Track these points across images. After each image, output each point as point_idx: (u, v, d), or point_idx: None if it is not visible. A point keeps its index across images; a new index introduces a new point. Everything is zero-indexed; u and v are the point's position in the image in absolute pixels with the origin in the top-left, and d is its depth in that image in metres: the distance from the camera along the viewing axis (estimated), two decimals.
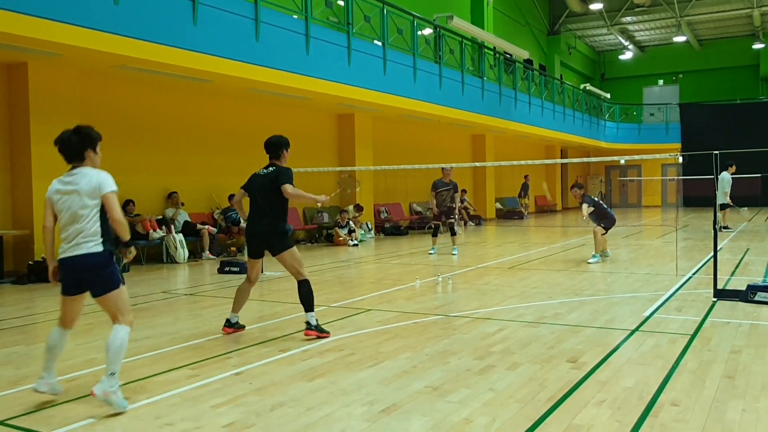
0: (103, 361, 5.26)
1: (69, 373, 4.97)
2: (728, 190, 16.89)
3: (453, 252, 13.13)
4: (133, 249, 4.70)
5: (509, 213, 26.11)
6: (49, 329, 6.23)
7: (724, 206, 17.10)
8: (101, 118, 12.09)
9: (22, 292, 9.25)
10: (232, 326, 6.25)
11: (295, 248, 6.10)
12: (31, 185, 10.58)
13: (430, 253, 13.13)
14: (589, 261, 11.36)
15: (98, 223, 4.20)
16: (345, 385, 4.56)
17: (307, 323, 5.98)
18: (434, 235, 13.38)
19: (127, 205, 12.33)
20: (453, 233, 13.44)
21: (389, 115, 18.24)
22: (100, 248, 4.15)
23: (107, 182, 4.29)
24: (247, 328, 6.49)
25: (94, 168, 4.53)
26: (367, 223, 17.79)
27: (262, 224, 6.03)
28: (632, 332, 6.02)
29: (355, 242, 15.66)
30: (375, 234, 18.25)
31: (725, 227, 17.05)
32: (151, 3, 10.17)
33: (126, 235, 4.27)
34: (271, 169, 6.13)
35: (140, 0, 10.00)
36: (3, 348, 5.85)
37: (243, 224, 13.84)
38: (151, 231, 12.36)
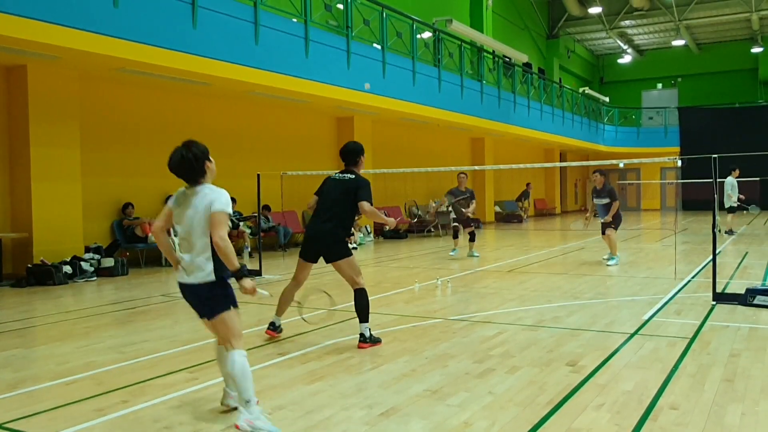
0: (102, 365, 5.27)
1: (67, 376, 4.96)
2: (733, 194, 16.91)
3: (473, 254, 13.06)
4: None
5: (508, 216, 26.11)
6: (48, 332, 6.17)
7: (732, 209, 17.12)
8: (100, 121, 12.11)
9: (21, 295, 9.23)
10: (276, 329, 6.15)
11: (354, 257, 5.90)
12: (30, 188, 10.57)
13: (451, 254, 13.09)
14: (609, 264, 11.35)
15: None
16: (344, 388, 4.55)
17: (361, 335, 5.76)
18: (455, 236, 13.28)
19: (126, 208, 12.34)
20: (472, 239, 13.25)
21: (388, 118, 18.25)
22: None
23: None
24: (246, 331, 6.47)
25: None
26: (366, 227, 17.79)
27: (325, 228, 5.83)
28: (631, 336, 6.01)
29: (354, 245, 15.65)
30: (374, 237, 18.25)
31: (729, 231, 17.06)
32: (150, 6, 10.18)
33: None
34: (349, 176, 5.99)
35: (139, 3, 10.01)
36: (2, 351, 5.84)
37: (242, 227, 14.01)
38: (150, 234, 12.35)
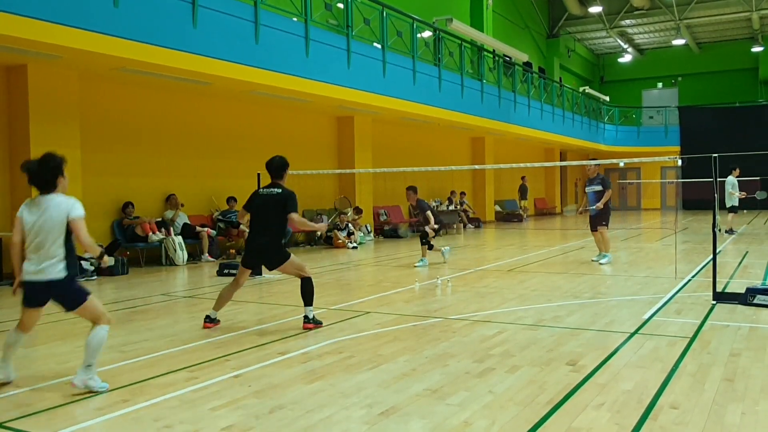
0: (102, 364, 5.27)
1: (68, 375, 4.96)
2: (735, 192, 16.90)
3: (416, 264, 11.83)
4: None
5: (508, 216, 26.11)
6: (47, 331, 6.18)
7: (733, 209, 17.11)
8: (100, 121, 12.11)
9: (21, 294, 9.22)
10: (212, 321, 6.66)
11: (293, 256, 6.57)
12: (31, 187, 10.55)
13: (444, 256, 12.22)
14: (602, 262, 11.35)
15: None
16: (344, 387, 4.56)
17: (305, 317, 6.49)
18: (430, 248, 12.19)
19: (126, 208, 12.34)
20: (429, 247, 12.04)
21: (389, 117, 18.25)
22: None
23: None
24: (245, 330, 6.49)
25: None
26: (366, 226, 17.80)
27: (263, 241, 6.49)
28: (631, 335, 6.01)
29: (354, 245, 15.66)
30: (374, 236, 18.25)
31: (729, 231, 17.05)
32: (150, 5, 10.18)
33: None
34: (276, 190, 6.52)
35: (140, 2, 10.01)
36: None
37: (242, 227, 13.99)
38: (151, 233, 12.36)
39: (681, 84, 38.50)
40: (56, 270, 4.47)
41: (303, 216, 16.87)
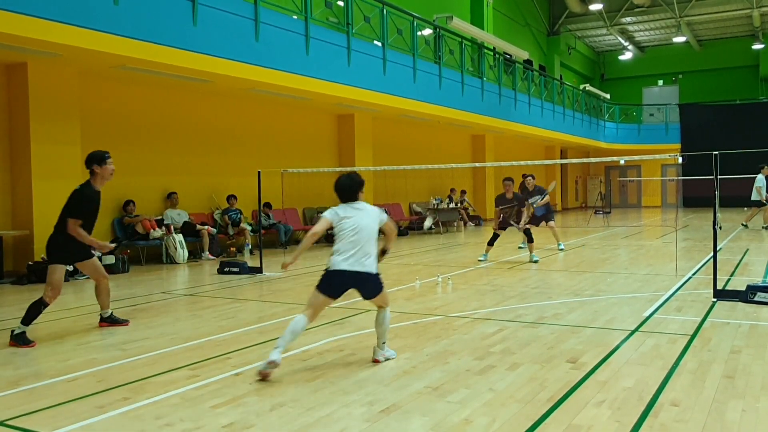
0: (103, 362, 5.28)
1: (69, 373, 4.97)
2: (763, 190, 16.97)
3: (533, 259, 11.77)
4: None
5: None
6: (48, 330, 6.20)
7: (759, 204, 17.20)
8: (101, 119, 12.11)
9: (22, 292, 9.24)
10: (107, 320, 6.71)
11: (54, 266, 6.24)
12: (31, 185, 10.59)
13: (480, 260, 11.95)
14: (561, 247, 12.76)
15: None
16: (345, 385, 4.56)
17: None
18: (490, 243, 12.17)
19: (127, 206, 12.34)
20: (529, 239, 11.98)
21: (389, 115, 18.24)
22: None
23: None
24: (246, 328, 6.49)
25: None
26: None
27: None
28: (632, 332, 6.02)
29: None
30: None
31: (766, 227, 17.16)
32: (150, 3, 10.17)
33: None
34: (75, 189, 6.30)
35: (140, 0, 10.00)
36: (3, 348, 5.85)
37: (243, 225, 14.01)
38: (151, 231, 12.36)
39: (681, 81, 38.47)
40: (371, 265, 4.98)
41: (303, 214, 16.91)
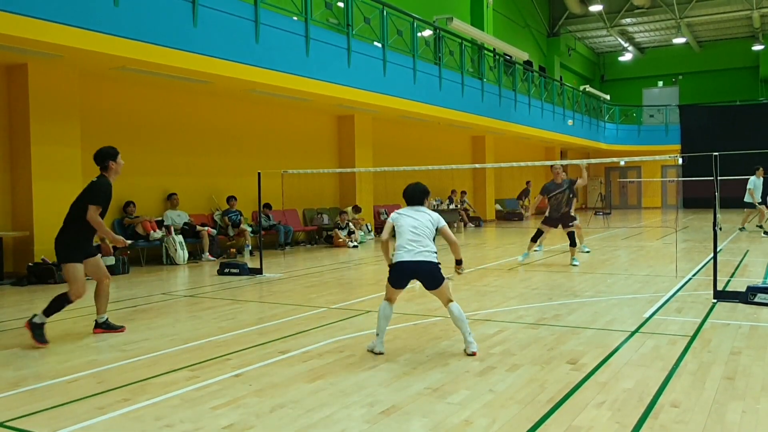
0: (103, 363, 5.28)
1: (69, 374, 4.97)
2: (756, 192, 16.95)
3: (574, 263, 11.05)
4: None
5: (509, 214, 26.11)
6: (48, 331, 6.22)
7: (752, 205, 17.16)
8: (101, 120, 12.11)
9: (22, 293, 9.25)
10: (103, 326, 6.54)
11: (71, 265, 6.19)
12: (31, 186, 10.58)
13: (520, 260, 11.57)
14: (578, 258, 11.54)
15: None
16: (345, 386, 4.56)
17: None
18: (533, 240, 11.70)
19: (127, 207, 12.35)
20: (573, 243, 11.25)
21: (389, 116, 18.25)
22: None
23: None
24: (246, 329, 6.49)
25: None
26: (366, 225, 17.79)
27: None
28: (632, 334, 6.01)
29: (355, 244, 15.65)
30: (375, 235, 18.24)
31: (760, 227, 17.13)
32: (150, 4, 10.18)
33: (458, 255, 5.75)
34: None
35: (140, 1, 10.01)
36: (3, 349, 5.85)
37: (243, 226, 14.01)
38: (152, 232, 12.36)
39: (681, 82, 38.47)
40: (430, 255, 5.37)
41: (303, 215, 16.91)
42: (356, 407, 4.12)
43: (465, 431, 3.71)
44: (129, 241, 6.69)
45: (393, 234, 5.54)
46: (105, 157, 6.34)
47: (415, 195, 5.61)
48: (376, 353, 5.41)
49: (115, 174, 6.40)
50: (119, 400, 4.33)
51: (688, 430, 3.67)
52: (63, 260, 6.13)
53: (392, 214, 5.62)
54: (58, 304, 6.03)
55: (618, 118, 34.93)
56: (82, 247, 6.20)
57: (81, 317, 7.26)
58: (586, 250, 13.08)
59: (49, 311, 6.00)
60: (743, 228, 17.29)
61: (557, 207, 11.28)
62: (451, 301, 5.41)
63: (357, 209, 17.13)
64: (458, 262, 5.72)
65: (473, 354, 5.27)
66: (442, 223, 5.54)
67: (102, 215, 6.21)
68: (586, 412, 3.96)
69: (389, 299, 5.54)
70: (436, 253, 5.40)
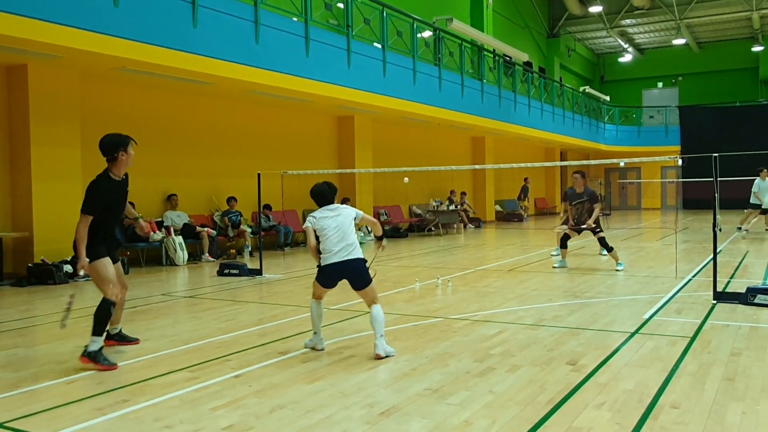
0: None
1: (68, 375, 4.96)
2: (761, 194, 16.95)
3: (618, 268, 10.57)
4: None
5: (509, 215, 26.11)
6: (48, 332, 6.20)
7: (765, 211, 17.16)
8: (101, 121, 12.09)
9: (22, 294, 9.24)
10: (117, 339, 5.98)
11: (99, 262, 5.42)
12: (31, 187, 10.58)
13: (555, 267, 11.02)
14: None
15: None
16: (344, 387, 4.56)
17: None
18: (563, 246, 11.22)
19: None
20: (608, 249, 10.92)
21: (389, 117, 18.25)
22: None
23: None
24: (246, 330, 6.49)
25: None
26: (366, 226, 17.78)
27: None
28: (632, 335, 6.01)
29: None
30: (374, 236, 18.24)
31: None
32: (150, 5, 10.18)
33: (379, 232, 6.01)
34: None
35: (140, 2, 10.01)
36: (2, 350, 5.85)
37: (243, 227, 14.01)
38: (151, 233, 12.35)
39: (681, 83, 38.48)
40: (359, 252, 5.49)
41: (303, 216, 16.89)
42: (356, 408, 4.12)
43: None
44: (82, 273, 5.42)
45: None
46: (116, 146, 5.42)
47: (326, 195, 5.64)
48: (318, 350, 5.58)
49: (125, 166, 5.54)
50: (119, 401, 4.33)
51: (688, 431, 3.67)
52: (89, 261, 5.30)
53: (308, 218, 5.58)
54: (104, 314, 5.22)
55: (618, 119, 34.94)
56: (108, 244, 5.48)
57: (80, 318, 7.25)
58: (605, 253, 12.07)
59: (100, 329, 5.18)
60: (741, 228, 17.26)
61: (579, 215, 10.92)
62: (376, 303, 5.48)
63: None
64: (379, 238, 5.59)
65: (377, 357, 5.27)
66: (360, 214, 5.64)
67: (114, 218, 5.59)
68: (586, 413, 3.96)
69: (318, 297, 5.68)
70: (359, 246, 5.53)
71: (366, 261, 5.53)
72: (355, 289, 5.56)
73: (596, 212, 10.79)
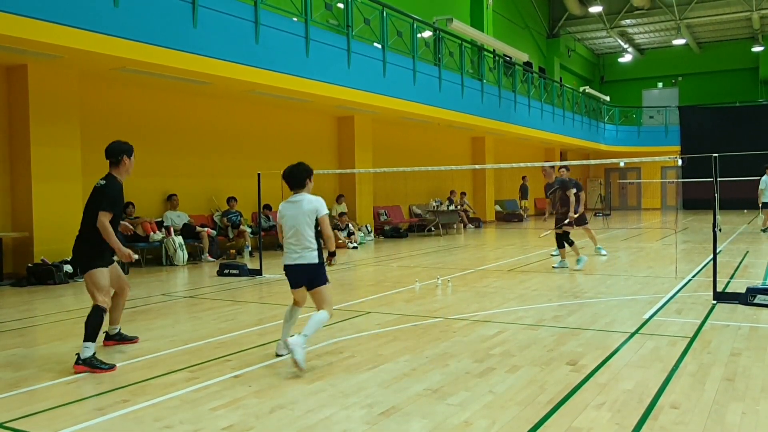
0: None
1: (68, 375, 4.96)
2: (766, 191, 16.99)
3: (561, 265, 10.73)
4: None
5: (509, 215, 26.11)
6: (48, 331, 6.20)
7: (765, 205, 17.21)
8: (101, 121, 12.10)
9: (21, 294, 9.24)
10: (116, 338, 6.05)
11: (97, 270, 5.50)
12: (31, 187, 10.58)
13: (554, 267, 10.87)
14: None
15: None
16: (344, 387, 4.55)
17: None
18: (570, 243, 10.97)
19: (126, 207, 12.33)
20: (560, 245, 10.90)
21: (389, 117, 18.25)
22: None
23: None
24: (246, 330, 6.49)
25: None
26: (366, 226, 17.80)
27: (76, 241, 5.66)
28: (632, 335, 6.01)
29: (355, 245, 15.65)
30: (374, 236, 18.25)
31: (765, 230, 17.15)
32: (150, 5, 10.18)
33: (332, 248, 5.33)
34: (100, 182, 5.61)
35: (140, 2, 10.01)
36: (2, 350, 5.85)
37: (243, 227, 14.00)
38: (151, 233, 12.36)
39: (681, 84, 38.48)
40: (311, 256, 5.16)
41: None
42: (356, 408, 4.12)
43: None
44: (136, 256, 6.07)
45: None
46: (120, 151, 5.60)
47: (296, 176, 5.35)
48: (278, 355, 5.42)
49: (126, 173, 5.71)
50: (119, 401, 4.33)
51: (687, 431, 3.67)
52: (87, 268, 5.43)
53: (279, 208, 5.35)
54: (96, 322, 5.23)
55: (618, 120, 34.94)
56: (104, 254, 5.56)
57: (80, 318, 7.25)
58: (604, 252, 12.68)
59: (92, 334, 5.17)
60: (765, 230, 17.22)
61: (553, 205, 11.11)
62: (324, 309, 5.15)
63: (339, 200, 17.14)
64: (331, 254, 5.29)
65: (279, 355, 5.30)
66: (323, 212, 5.22)
67: (117, 220, 5.63)
68: (586, 414, 3.96)
69: (294, 302, 5.45)
70: (317, 249, 5.16)
71: (322, 264, 5.20)
72: (308, 289, 5.29)
73: (572, 198, 10.67)
